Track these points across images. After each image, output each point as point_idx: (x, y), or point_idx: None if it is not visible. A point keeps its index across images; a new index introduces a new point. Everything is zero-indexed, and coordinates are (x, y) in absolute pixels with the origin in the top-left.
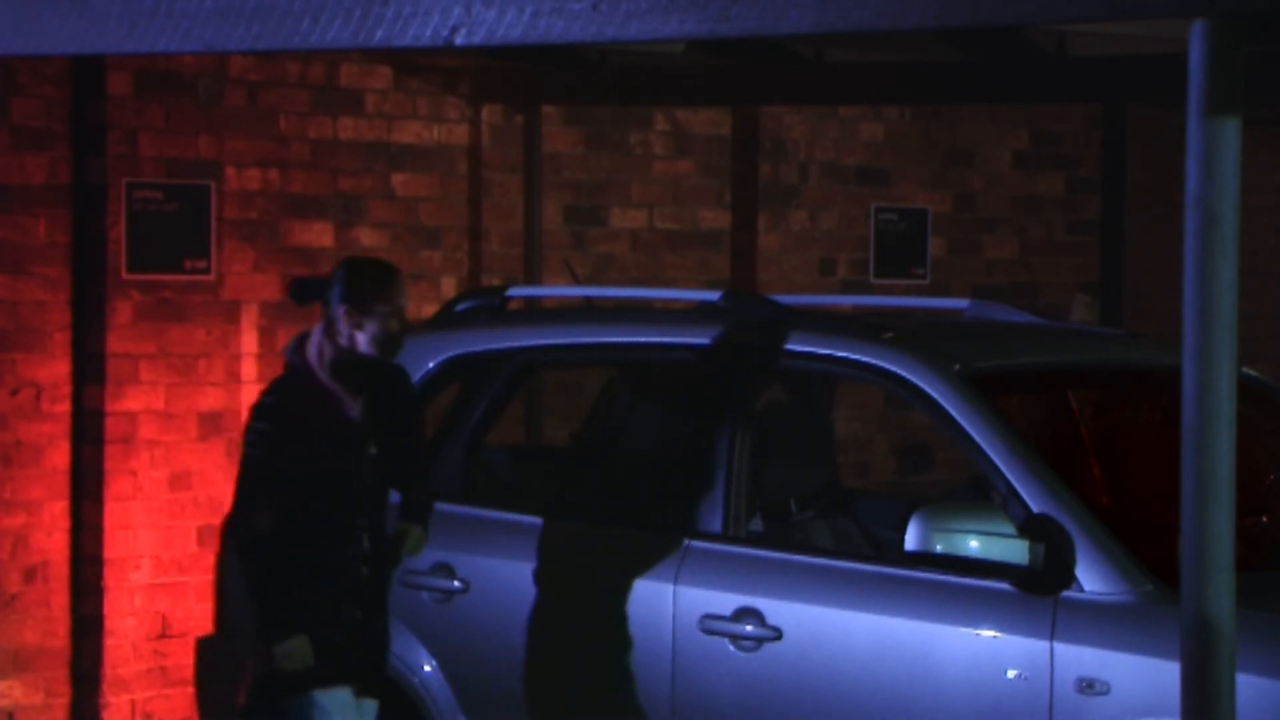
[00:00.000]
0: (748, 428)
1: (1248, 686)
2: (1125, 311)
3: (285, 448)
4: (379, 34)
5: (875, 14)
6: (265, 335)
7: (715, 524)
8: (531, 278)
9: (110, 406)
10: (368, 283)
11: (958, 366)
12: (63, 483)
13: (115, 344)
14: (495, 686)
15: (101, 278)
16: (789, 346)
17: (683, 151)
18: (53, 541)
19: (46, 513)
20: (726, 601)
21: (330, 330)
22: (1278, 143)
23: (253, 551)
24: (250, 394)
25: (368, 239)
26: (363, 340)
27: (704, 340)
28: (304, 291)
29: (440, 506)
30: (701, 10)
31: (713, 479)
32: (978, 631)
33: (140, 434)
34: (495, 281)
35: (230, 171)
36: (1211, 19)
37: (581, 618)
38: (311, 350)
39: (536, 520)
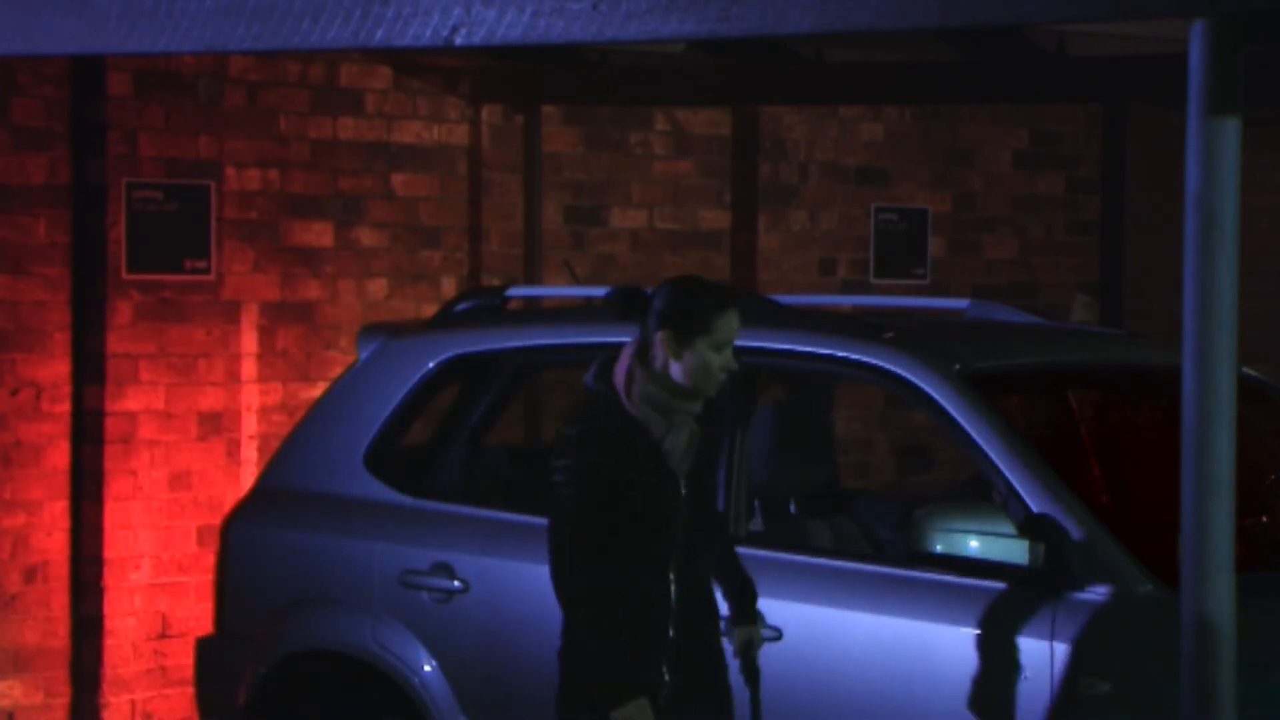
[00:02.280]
0: (747, 428)
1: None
2: (1125, 311)
3: (598, 488)
4: (379, 34)
5: (875, 14)
6: (265, 335)
7: None
8: (531, 278)
9: (110, 406)
10: (695, 310)
11: (958, 366)
12: (63, 483)
13: (115, 344)
14: (495, 686)
15: (101, 278)
16: (789, 346)
17: (683, 151)
18: (53, 541)
19: (46, 513)
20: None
21: (643, 354)
22: (1278, 143)
23: (583, 607)
24: (250, 394)
25: (368, 239)
26: (679, 371)
27: None
28: (629, 304)
29: (440, 506)
30: (701, 10)
31: (712, 479)
32: (978, 631)
33: (140, 434)
34: (495, 281)
35: (230, 171)
36: (1211, 19)
37: None
38: (619, 376)
39: (536, 520)
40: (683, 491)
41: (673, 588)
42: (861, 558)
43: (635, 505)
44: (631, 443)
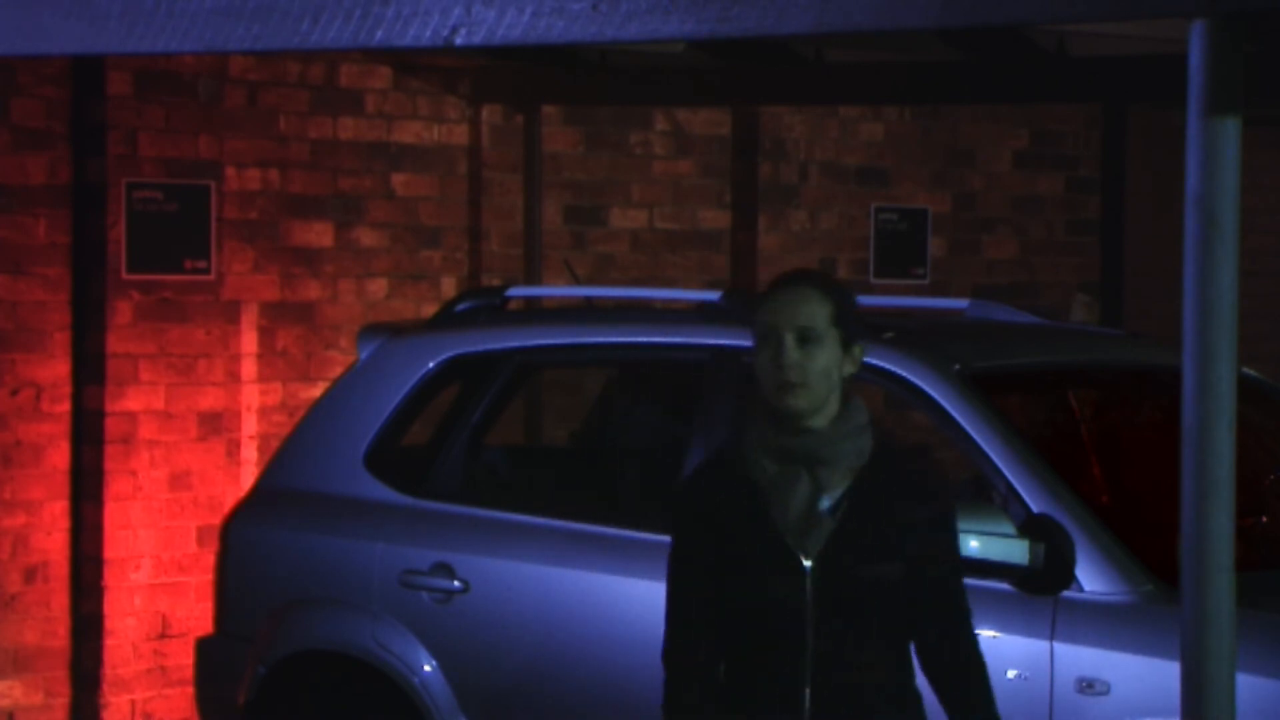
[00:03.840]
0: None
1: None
2: (1125, 311)
3: (687, 561)
4: (379, 34)
5: (875, 14)
6: (265, 335)
7: None
8: (531, 278)
9: (110, 406)
10: (754, 300)
11: (958, 366)
12: (63, 483)
13: (115, 344)
14: (495, 686)
15: (101, 278)
16: None
17: (683, 151)
18: (53, 541)
19: (46, 513)
20: None
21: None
22: (1278, 143)
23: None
24: (250, 394)
25: (368, 239)
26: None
27: (704, 340)
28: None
29: (440, 506)
30: (701, 10)
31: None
32: (978, 631)
33: (140, 434)
34: (495, 281)
35: (230, 171)
36: (1211, 19)
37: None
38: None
39: (537, 520)
40: (807, 577)
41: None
42: None
43: (736, 591)
44: (732, 501)
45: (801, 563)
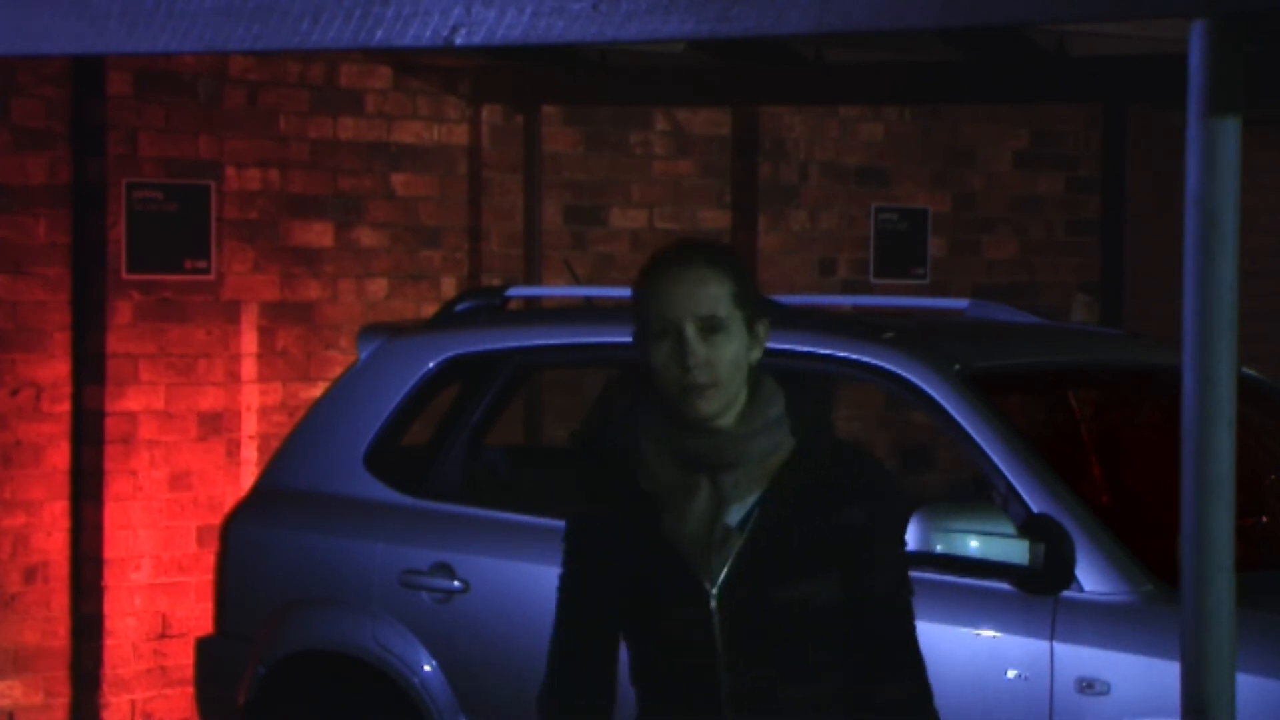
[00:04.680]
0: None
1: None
2: (1125, 311)
3: (592, 592)
4: (379, 34)
5: (875, 14)
6: (265, 335)
7: None
8: (531, 278)
9: (110, 406)
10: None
11: (958, 366)
12: (63, 483)
13: (115, 344)
14: (495, 686)
15: (101, 278)
16: (789, 346)
17: (683, 151)
18: (53, 541)
19: (46, 513)
20: None
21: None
22: (1278, 143)
23: None
24: (250, 394)
25: (368, 239)
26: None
27: None
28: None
29: (440, 506)
30: (701, 10)
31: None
32: (978, 631)
33: (140, 434)
34: (495, 281)
35: (230, 171)
36: (1211, 19)
37: None
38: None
39: (537, 520)
40: (713, 606)
41: None
42: None
43: (634, 628)
44: (621, 516)
45: (705, 590)
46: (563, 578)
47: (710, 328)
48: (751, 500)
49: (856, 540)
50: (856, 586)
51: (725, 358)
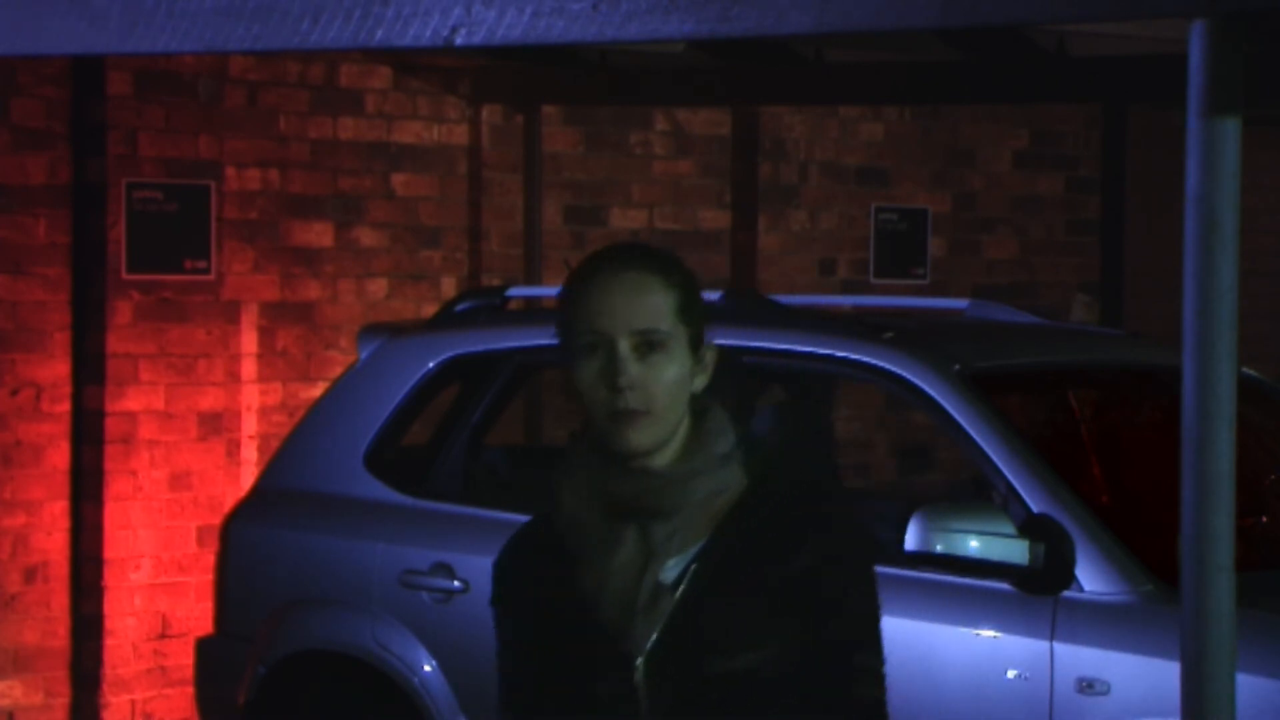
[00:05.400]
0: (747, 428)
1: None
2: (1125, 311)
3: (506, 648)
4: (379, 34)
5: (875, 14)
6: (265, 335)
7: None
8: (531, 278)
9: (110, 406)
10: (562, 299)
11: (958, 366)
12: (63, 483)
13: (115, 344)
14: (495, 687)
15: (101, 278)
16: (789, 346)
17: (683, 151)
18: (53, 541)
19: (46, 513)
20: None
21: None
22: (1278, 143)
23: None
24: (250, 394)
25: (368, 239)
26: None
27: None
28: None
29: (440, 506)
30: (701, 10)
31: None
32: (978, 631)
33: (140, 434)
34: (495, 281)
35: (230, 171)
36: (1211, 19)
37: None
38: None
39: None
40: (639, 680)
41: None
42: None
43: (554, 702)
44: (546, 573)
45: (631, 661)
46: (498, 643)
47: (648, 345)
48: (690, 554)
49: (816, 599)
50: (814, 655)
51: (664, 381)
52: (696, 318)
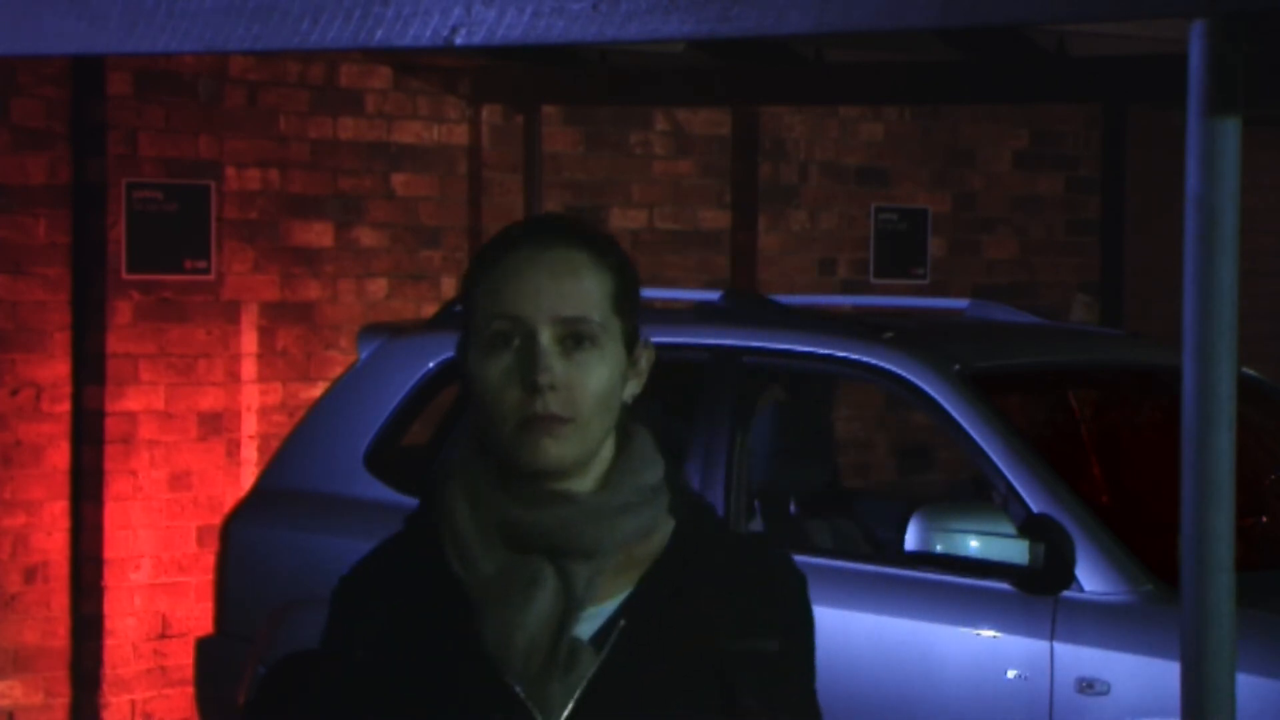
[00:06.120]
0: (747, 428)
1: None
2: (1125, 311)
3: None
4: (379, 34)
5: (875, 14)
6: (265, 335)
7: None
8: None
9: (110, 406)
10: (467, 282)
11: (958, 366)
12: (63, 483)
13: (115, 344)
14: None
15: (101, 278)
16: (789, 346)
17: (683, 151)
18: (53, 541)
19: (46, 513)
20: None
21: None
22: (1278, 143)
23: None
24: (250, 394)
25: (368, 239)
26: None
27: (704, 340)
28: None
29: None
30: (701, 10)
31: (712, 479)
32: (978, 631)
33: (140, 434)
34: None
35: (230, 171)
36: (1211, 19)
37: None
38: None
39: None
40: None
41: None
42: (861, 558)
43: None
44: (424, 615)
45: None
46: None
47: (575, 338)
48: (614, 604)
49: (757, 671)
50: None
51: (592, 383)
52: (632, 310)
